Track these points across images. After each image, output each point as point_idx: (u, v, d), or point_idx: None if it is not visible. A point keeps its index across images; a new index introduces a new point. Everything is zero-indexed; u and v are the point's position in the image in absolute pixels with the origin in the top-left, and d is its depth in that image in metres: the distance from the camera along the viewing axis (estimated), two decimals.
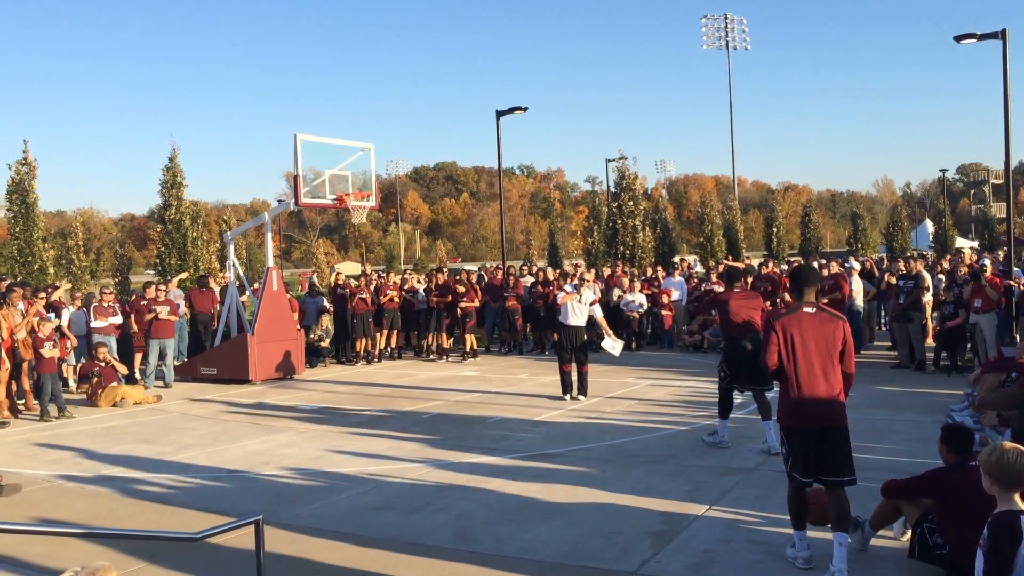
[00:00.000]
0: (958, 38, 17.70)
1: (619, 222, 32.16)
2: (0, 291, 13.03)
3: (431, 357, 18.56)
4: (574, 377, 12.57)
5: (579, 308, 12.52)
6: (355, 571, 5.80)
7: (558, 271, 20.71)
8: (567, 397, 12.49)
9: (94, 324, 14.83)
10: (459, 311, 18.35)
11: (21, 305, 13.48)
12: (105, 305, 15.19)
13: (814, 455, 5.51)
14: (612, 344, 12.93)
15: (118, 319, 15.33)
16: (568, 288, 12.79)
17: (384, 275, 20.39)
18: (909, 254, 27.68)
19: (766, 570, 5.56)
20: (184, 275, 20.84)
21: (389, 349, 19.05)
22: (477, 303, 18.60)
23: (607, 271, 21.62)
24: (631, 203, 32.14)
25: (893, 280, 15.87)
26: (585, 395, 12.52)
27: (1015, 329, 14.84)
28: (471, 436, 10.18)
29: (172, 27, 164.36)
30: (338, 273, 20.56)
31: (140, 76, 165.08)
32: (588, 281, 13.44)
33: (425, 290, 19.13)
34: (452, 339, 19.28)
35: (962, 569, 4.96)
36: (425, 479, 8.17)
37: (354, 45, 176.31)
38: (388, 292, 18.62)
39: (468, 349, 18.40)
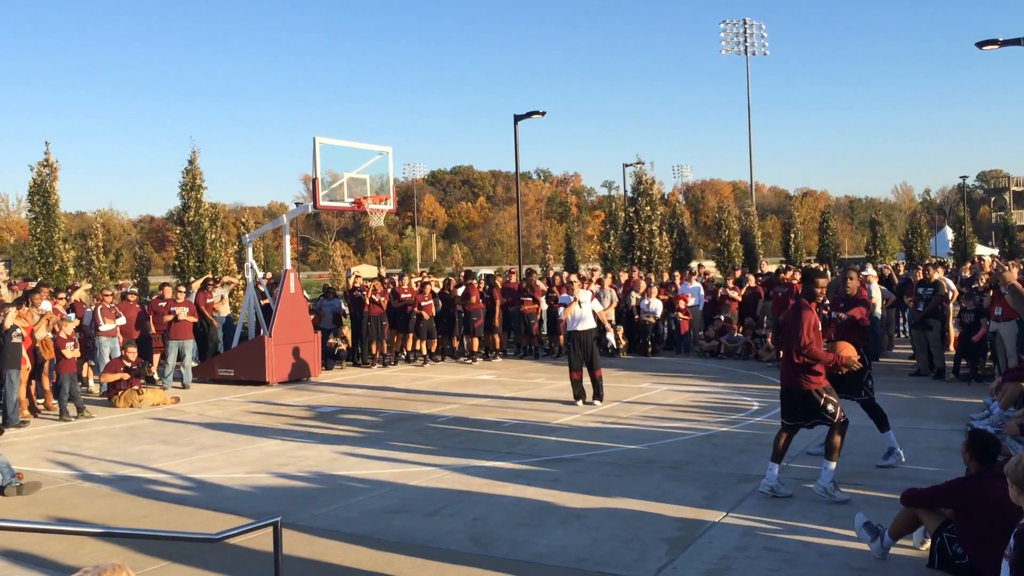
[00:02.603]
0: (980, 44, 17.57)
1: (636, 227, 32.10)
2: (26, 290, 13.13)
3: (418, 362, 18.53)
4: (586, 383, 12.57)
5: (584, 311, 12.54)
6: (371, 573, 5.80)
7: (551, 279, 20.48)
8: (579, 403, 12.46)
9: (103, 327, 14.80)
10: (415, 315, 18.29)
11: (48, 304, 13.57)
12: (108, 306, 15.19)
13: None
14: (610, 336, 13.14)
15: (123, 320, 15.35)
16: (564, 301, 12.75)
17: (401, 278, 20.39)
18: (928, 261, 27.45)
19: None
20: (208, 277, 20.96)
21: (405, 352, 19.06)
22: (434, 312, 18.50)
23: (624, 276, 21.57)
24: (648, 208, 32.09)
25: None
26: (601, 399, 12.49)
27: None
28: (486, 440, 10.18)
29: (192, 31, 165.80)
30: (356, 276, 20.59)
31: (160, 79, 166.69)
32: (577, 283, 13.40)
33: (441, 293, 19.17)
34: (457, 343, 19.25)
35: None
36: (441, 482, 8.17)
37: (373, 49, 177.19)
38: (403, 296, 18.63)
39: (427, 352, 18.25)
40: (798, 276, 16.48)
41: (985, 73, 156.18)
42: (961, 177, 66.25)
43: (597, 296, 19.06)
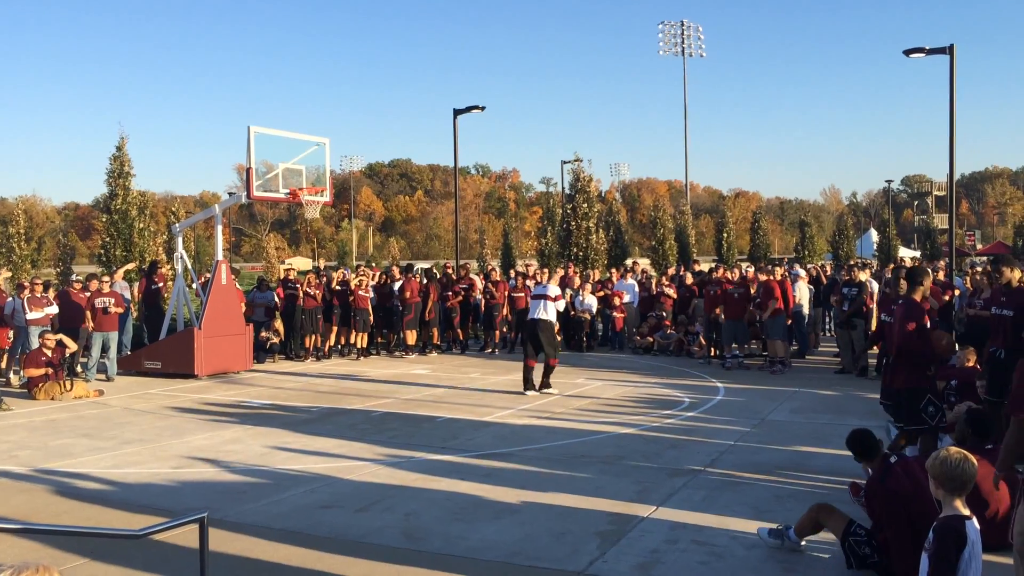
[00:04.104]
0: (907, 52, 18.07)
1: (573, 224, 32.29)
2: None
3: (352, 355, 18.45)
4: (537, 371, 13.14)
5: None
6: (300, 570, 5.72)
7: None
8: (529, 393, 12.81)
9: (30, 316, 14.36)
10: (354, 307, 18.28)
11: None
12: (39, 295, 14.75)
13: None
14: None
15: (54, 309, 14.92)
16: (542, 291, 13.27)
17: (337, 270, 20.15)
18: (853, 262, 28.22)
19: (711, 571, 5.62)
20: (131, 265, 20.38)
21: (339, 346, 18.86)
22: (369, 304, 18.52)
23: (560, 272, 21.67)
24: (585, 205, 32.30)
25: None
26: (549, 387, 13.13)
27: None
28: (421, 435, 10.13)
29: (124, 13, 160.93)
30: (290, 268, 20.27)
31: (88, 61, 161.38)
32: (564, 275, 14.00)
33: (376, 286, 19.01)
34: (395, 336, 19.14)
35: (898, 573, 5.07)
36: (374, 477, 8.10)
37: (310, 38, 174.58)
38: (337, 287, 18.44)
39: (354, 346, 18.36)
40: (729, 275, 16.82)
41: (911, 81, 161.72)
42: (886, 181, 68.20)
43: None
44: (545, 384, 13.03)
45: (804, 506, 6.24)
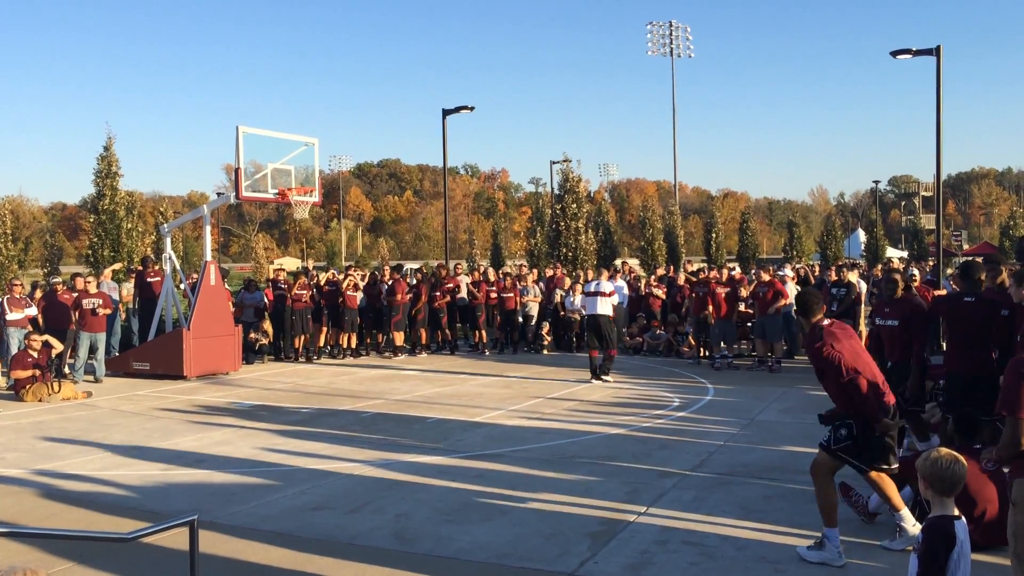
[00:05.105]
0: (894, 53, 18.17)
1: (562, 224, 32.36)
2: None
3: (341, 356, 18.39)
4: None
5: (596, 299, 14.41)
6: (290, 571, 5.71)
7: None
8: (593, 380, 14.07)
9: (9, 316, 14.29)
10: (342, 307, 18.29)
11: None
12: (18, 296, 14.66)
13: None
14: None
15: (33, 310, 14.84)
16: (580, 299, 14.74)
17: (326, 271, 20.09)
18: (841, 263, 28.34)
19: (702, 571, 5.64)
20: (118, 266, 20.27)
21: (328, 347, 18.81)
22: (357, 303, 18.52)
23: (549, 272, 21.71)
24: (574, 205, 32.37)
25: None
26: (607, 374, 14.28)
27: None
28: (411, 436, 10.12)
29: (111, 10, 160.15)
30: (279, 269, 20.21)
31: (75, 60, 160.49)
32: (606, 274, 15.70)
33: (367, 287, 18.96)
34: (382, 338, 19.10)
35: None
36: (364, 478, 8.08)
37: (298, 37, 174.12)
38: (327, 288, 18.40)
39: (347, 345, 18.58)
40: (715, 275, 16.85)
41: (898, 82, 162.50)
42: (874, 182, 68.52)
43: (521, 292, 19.22)
44: (605, 371, 14.18)
45: (793, 506, 6.26)
